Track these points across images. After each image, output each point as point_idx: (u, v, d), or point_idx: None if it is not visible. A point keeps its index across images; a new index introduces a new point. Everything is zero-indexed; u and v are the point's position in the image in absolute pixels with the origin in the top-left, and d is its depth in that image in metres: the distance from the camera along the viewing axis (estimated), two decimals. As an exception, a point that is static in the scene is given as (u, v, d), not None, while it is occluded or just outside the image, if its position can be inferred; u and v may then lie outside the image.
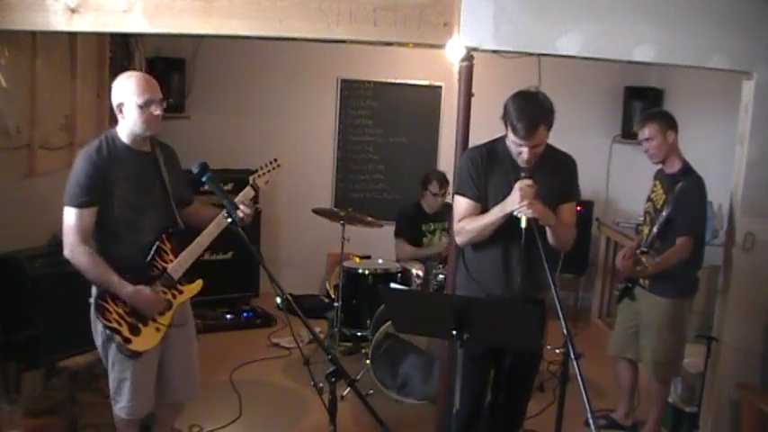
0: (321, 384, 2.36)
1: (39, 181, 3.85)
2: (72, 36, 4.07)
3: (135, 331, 2.75)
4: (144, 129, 2.73)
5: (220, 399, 4.02)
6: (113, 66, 4.85)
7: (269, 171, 3.07)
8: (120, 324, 2.73)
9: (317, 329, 2.68)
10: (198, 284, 2.97)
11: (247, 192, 2.96)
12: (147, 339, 2.79)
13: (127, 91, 2.70)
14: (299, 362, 3.64)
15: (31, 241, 3.69)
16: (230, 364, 4.55)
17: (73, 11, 3.15)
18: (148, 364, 2.85)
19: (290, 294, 2.51)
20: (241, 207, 2.77)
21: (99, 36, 4.46)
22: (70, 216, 2.67)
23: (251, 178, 3.03)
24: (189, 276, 2.96)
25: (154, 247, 2.81)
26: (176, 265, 2.84)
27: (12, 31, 3.26)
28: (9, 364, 3.44)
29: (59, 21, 3.16)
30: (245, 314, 5.50)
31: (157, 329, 2.82)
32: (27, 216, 3.79)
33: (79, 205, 2.66)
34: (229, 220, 2.61)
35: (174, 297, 2.87)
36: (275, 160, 3.11)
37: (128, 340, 2.73)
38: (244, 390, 4.19)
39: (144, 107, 2.69)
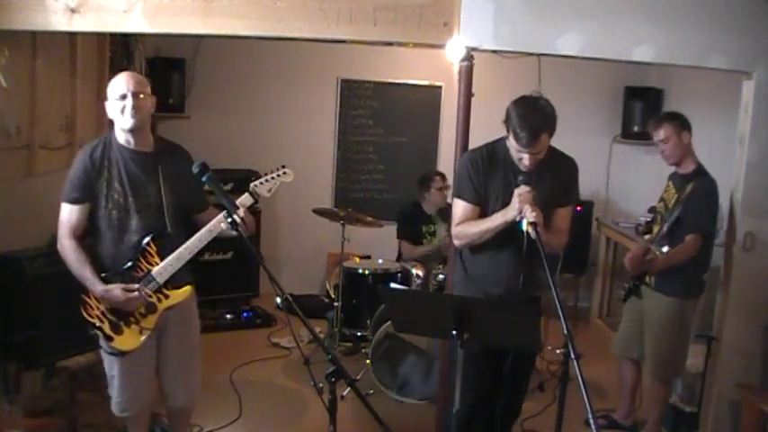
0: (321, 384, 2.35)
1: (39, 181, 3.84)
2: (72, 36, 4.07)
3: (116, 330, 2.76)
4: (121, 122, 2.73)
5: (220, 399, 4.02)
6: (113, 66, 4.85)
7: (273, 179, 2.83)
8: (101, 321, 2.75)
9: (317, 329, 2.67)
10: (185, 291, 2.87)
11: (244, 199, 2.77)
12: (129, 339, 2.78)
13: (108, 91, 2.75)
14: (299, 362, 3.64)
15: (31, 241, 3.68)
16: (230, 364, 4.55)
17: (73, 11, 3.16)
18: (136, 364, 2.86)
19: (290, 294, 2.51)
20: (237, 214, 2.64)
21: (99, 36, 4.46)
22: (62, 211, 2.78)
23: (251, 185, 2.80)
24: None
25: (138, 249, 2.77)
26: (161, 269, 2.75)
27: (12, 31, 3.26)
28: (9, 364, 3.44)
29: (59, 21, 3.16)
30: (244, 314, 5.50)
31: (141, 331, 2.79)
32: (27, 216, 3.78)
33: (69, 201, 2.77)
34: (229, 220, 2.59)
35: (160, 301, 2.80)
36: (283, 167, 2.85)
37: (110, 338, 2.76)
38: (244, 390, 4.19)
39: (118, 100, 2.71)
